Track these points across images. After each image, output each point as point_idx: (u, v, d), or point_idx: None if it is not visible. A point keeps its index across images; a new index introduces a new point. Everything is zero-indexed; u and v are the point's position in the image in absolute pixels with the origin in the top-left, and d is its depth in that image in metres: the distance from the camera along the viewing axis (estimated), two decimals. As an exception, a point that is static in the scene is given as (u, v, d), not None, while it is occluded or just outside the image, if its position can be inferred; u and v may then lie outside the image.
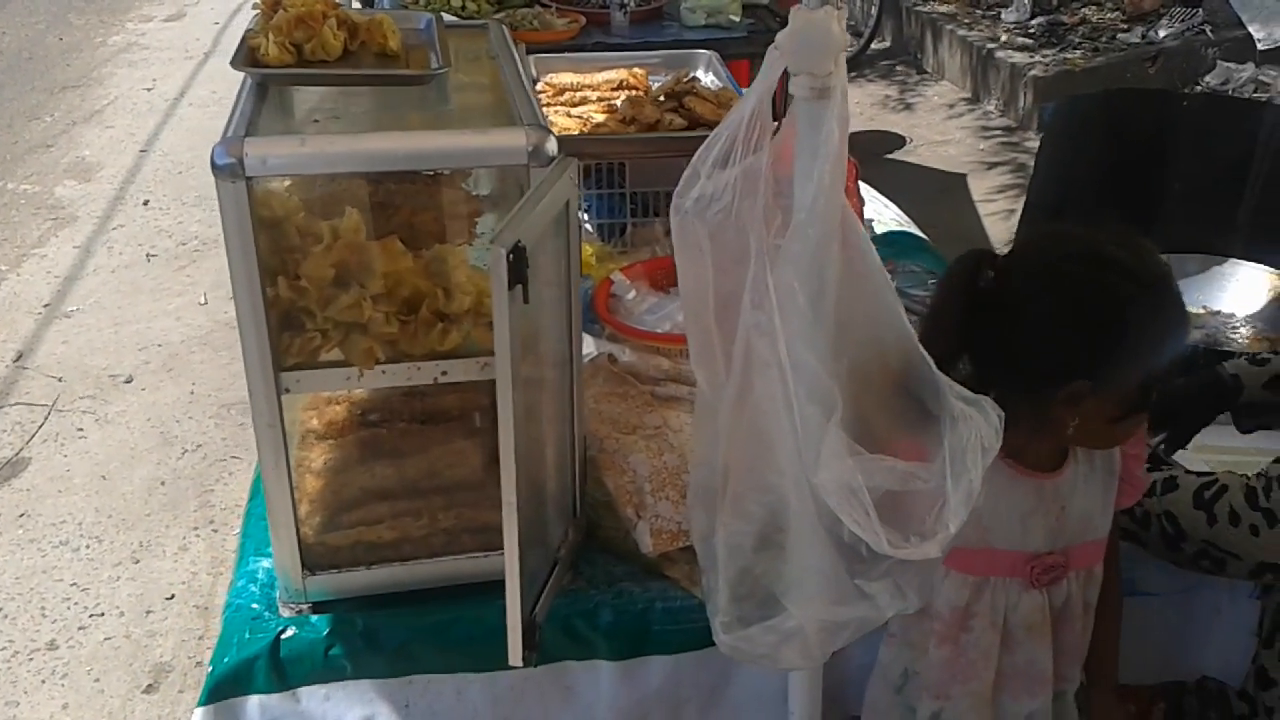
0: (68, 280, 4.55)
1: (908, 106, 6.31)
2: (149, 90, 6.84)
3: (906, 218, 3.05)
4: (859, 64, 6.75)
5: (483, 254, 1.91)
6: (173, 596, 2.87)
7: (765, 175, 1.20)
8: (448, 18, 3.18)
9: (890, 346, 1.24)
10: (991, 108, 6.14)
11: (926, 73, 6.85)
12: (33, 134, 6.16)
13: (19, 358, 4.00)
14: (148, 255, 4.75)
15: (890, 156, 5.57)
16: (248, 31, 1.75)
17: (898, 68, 6.89)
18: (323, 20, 1.72)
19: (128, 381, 3.83)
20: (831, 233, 1.20)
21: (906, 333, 1.24)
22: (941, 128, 5.98)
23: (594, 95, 2.66)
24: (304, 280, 1.52)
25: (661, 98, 2.49)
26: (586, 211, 2.54)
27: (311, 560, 1.67)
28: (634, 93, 2.65)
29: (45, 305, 4.35)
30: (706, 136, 2.42)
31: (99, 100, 6.69)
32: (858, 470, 1.19)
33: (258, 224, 1.47)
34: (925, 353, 1.24)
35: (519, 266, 1.30)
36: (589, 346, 2.17)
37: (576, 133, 2.47)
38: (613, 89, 2.70)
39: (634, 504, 1.70)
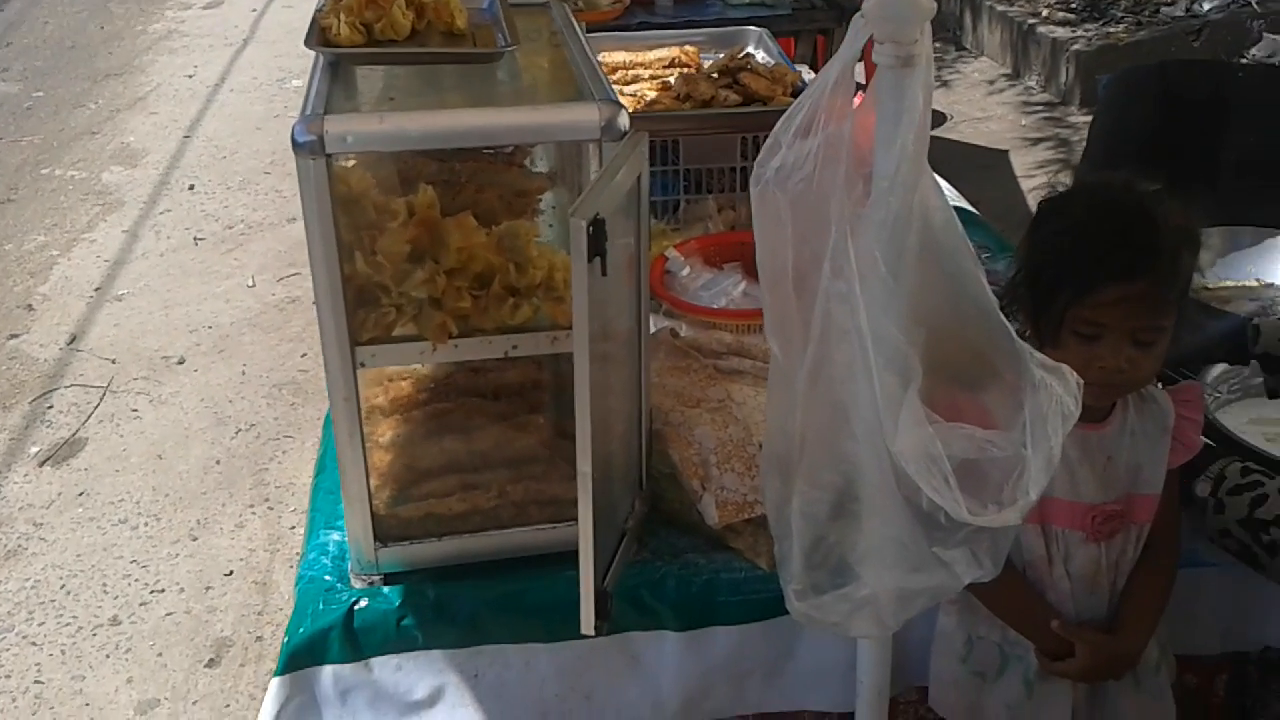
0: (116, 264, 4.61)
1: (946, 84, 6.27)
2: (190, 77, 6.90)
3: (956, 192, 3.05)
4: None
5: (549, 230, 1.93)
6: (231, 573, 2.92)
7: (848, 144, 1.21)
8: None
9: (968, 313, 1.25)
10: (1033, 83, 6.10)
11: (965, 49, 6.80)
12: (78, 121, 6.23)
13: (72, 340, 4.06)
14: (195, 239, 4.80)
15: (931, 133, 5.54)
16: (317, 12, 1.77)
17: (936, 44, 6.79)
18: (392, 1, 1.74)
19: (180, 363, 3.89)
20: (913, 201, 1.21)
21: (987, 299, 1.25)
22: (982, 104, 5.94)
23: (646, 73, 2.67)
24: (380, 256, 1.54)
25: (715, 74, 2.50)
26: (640, 189, 2.56)
27: (383, 532, 1.70)
28: (687, 70, 2.66)
29: (96, 289, 4.42)
30: (762, 112, 2.46)
31: (141, 87, 6.75)
32: (937, 438, 1.21)
33: (335, 201, 1.50)
34: (1005, 320, 1.25)
35: (598, 239, 1.32)
36: (647, 322, 2.19)
37: (630, 110, 2.48)
38: (665, 67, 2.71)
39: (699, 476, 1.72)
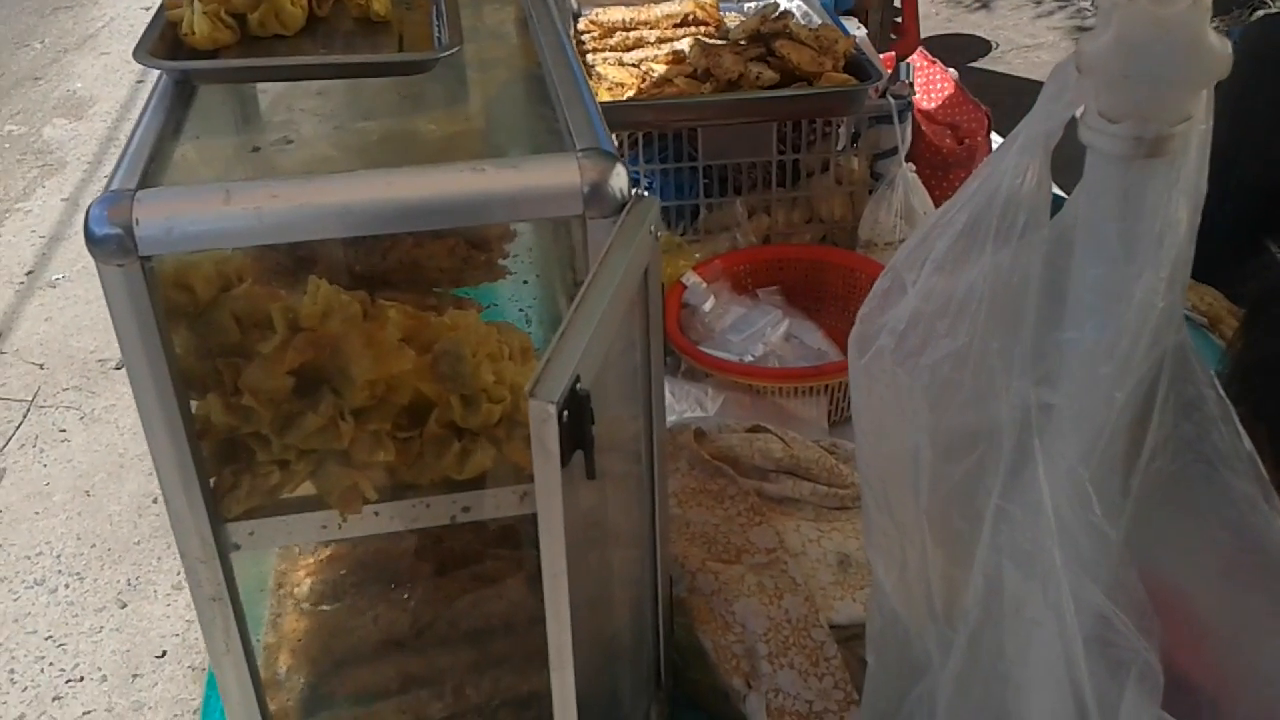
0: (53, 240, 4.05)
1: (986, 5, 5.59)
2: (147, 9, 6.24)
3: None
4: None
5: (504, 295, 1.39)
6: (164, 654, 2.42)
7: (1035, 288, 0.66)
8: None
9: (1242, 576, 0.71)
10: (1088, 3, 5.42)
11: (1006, -37, 6.10)
12: (21, 65, 5.61)
13: (-3, 339, 3.53)
14: (142, 207, 4.23)
15: (974, 65, 4.89)
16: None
17: (972, -42, 6.13)
18: (275, -25, 1.17)
19: (118, 368, 3.35)
20: (1152, 394, 0.66)
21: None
22: (1030, 29, 5.28)
23: (652, 36, 2.08)
24: (247, 396, 0.99)
25: (743, 42, 1.91)
26: (647, 190, 1.99)
27: (290, 763, 1.18)
28: (704, 31, 2.07)
29: (28, 273, 3.86)
30: (807, 95, 1.88)
31: (93, 23, 6.11)
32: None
33: (169, 316, 0.95)
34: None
35: (577, 427, 0.77)
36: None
37: (633, 92, 1.90)
38: (675, 25, 2.11)
39: (743, 672, 1.19)
